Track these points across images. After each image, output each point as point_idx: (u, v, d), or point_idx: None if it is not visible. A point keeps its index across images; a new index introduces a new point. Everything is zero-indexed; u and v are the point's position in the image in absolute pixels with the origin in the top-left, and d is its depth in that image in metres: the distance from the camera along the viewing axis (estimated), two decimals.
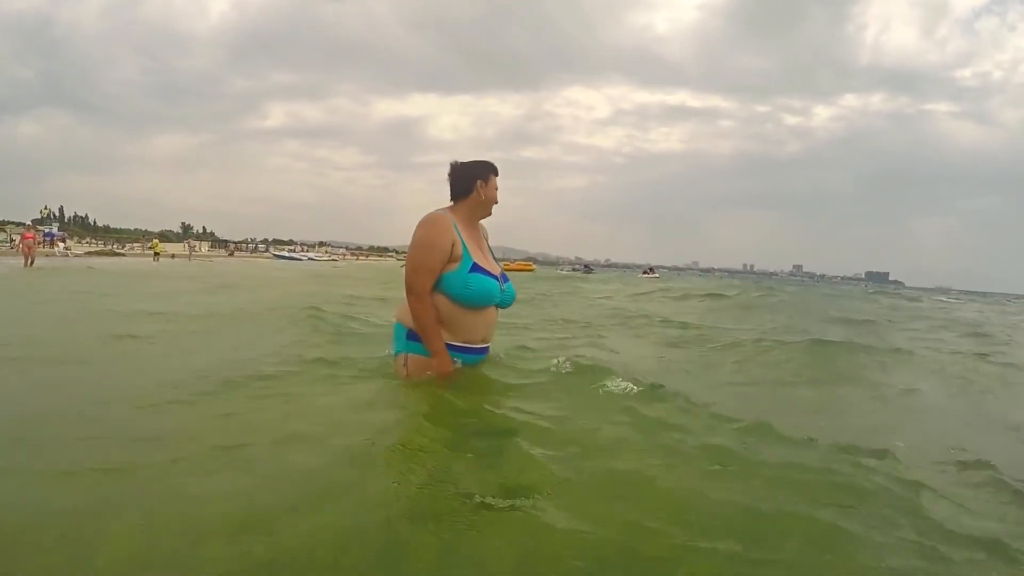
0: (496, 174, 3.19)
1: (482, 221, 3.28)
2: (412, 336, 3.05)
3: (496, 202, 3.20)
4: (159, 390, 3.19)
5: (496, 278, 3.09)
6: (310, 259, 69.96)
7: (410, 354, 3.07)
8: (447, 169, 3.18)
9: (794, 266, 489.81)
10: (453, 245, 2.98)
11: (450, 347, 3.02)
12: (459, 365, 3.04)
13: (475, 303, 3.02)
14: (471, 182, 3.12)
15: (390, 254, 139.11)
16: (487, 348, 3.25)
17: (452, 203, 3.17)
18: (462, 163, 3.19)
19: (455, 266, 2.98)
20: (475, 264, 3.01)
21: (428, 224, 3.01)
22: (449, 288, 2.98)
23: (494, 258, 3.28)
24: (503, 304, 3.20)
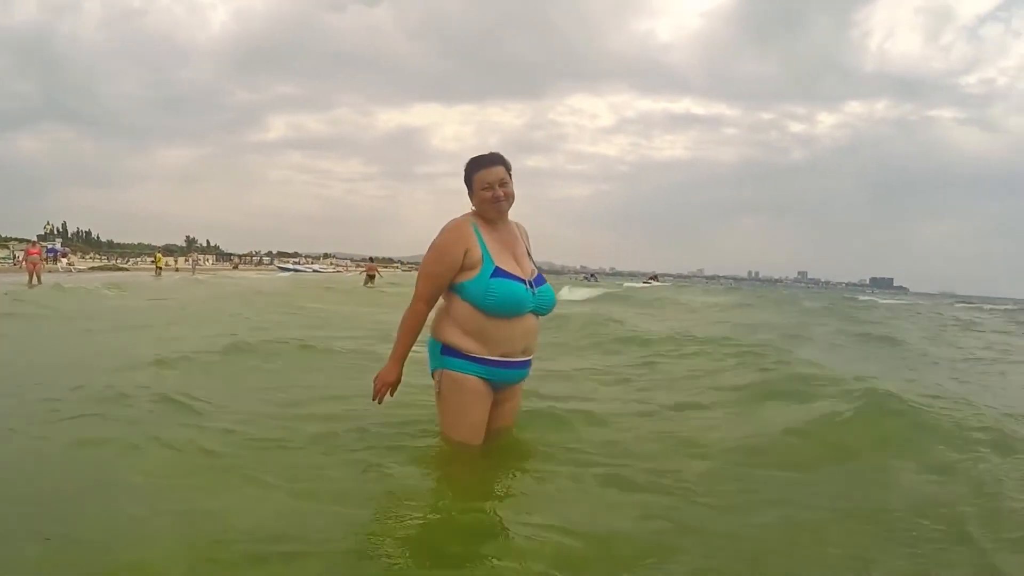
0: (481, 168, 2.82)
1: (518, 221, 3.05)
2: (446, 351, 2.84)
3: (490, 203, 2.82)
4: None
5: (525, 282, 2.82)
6: (314, 271, 69.67)
7: (444, 370, 2.85)
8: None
9: (799, 272, 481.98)
10: (468, 251, 2.76)
11: (488, 363, 2.80)
12: (476, 380, 2.82)
13: (502, 311, 2.76)
14: (468, 184, 2.85)
15: (395, 265, 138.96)
16: (529, 361, 2.97)
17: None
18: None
19: (474, 273, 2.76)
20: (497, 268, 2.76)
21: (445, 230, 2.82)
22: (471, 297, 2.76)
23: (532, 261, 2.98)
24: (540, 310, 2.90)
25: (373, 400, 2.90)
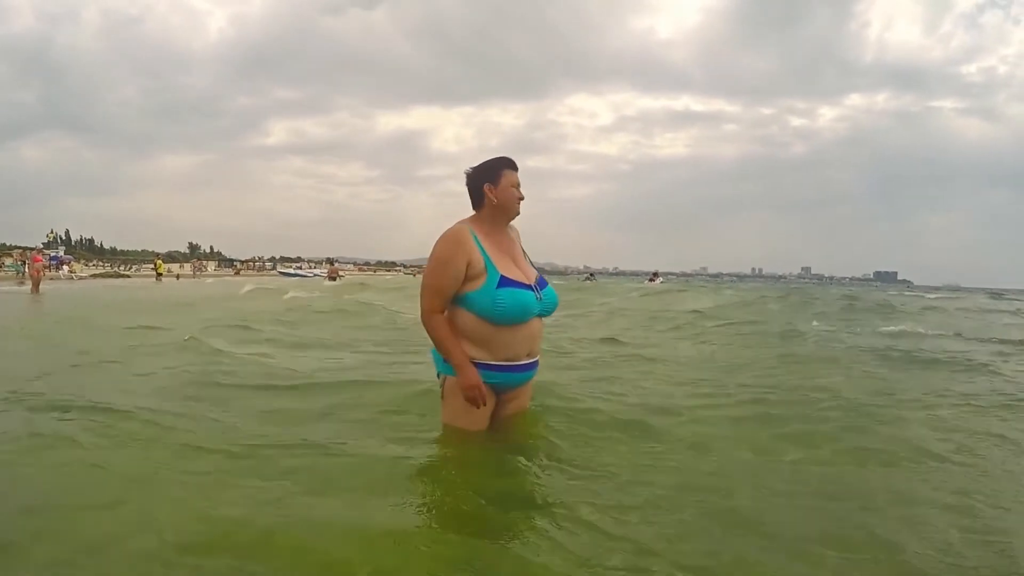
0: (511, 168, 2.89)
1: (512, 222, 3.02)
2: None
3: (516, 201, 2.89)
4: None
5: (530, 287, 2.83)
6: (316, 275, 68.99)
7: (448, 375, 2.88)
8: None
9: (803, 268, 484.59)
10: (470, 262, 2.74)
11: (491, 367, 2.80)
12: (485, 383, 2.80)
13: (511, 320, 2.76)
14: (480, 188, 2.87)
15: (398, 268, 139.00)
16: (536, 363, 2.98)
17: (475, 212, 2.93)
18: (473, 168, 2.93)
19: (479, 283, 2.75)
20: (503, 277, 2.76)
21: (444, 240, 2.79)
22: (477, 308, 2.75)
23: (530, 262, 3.01)
24: (544, 313, 2.93)
25: (478, 407, 2.80)
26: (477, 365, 2.78)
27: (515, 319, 2.77)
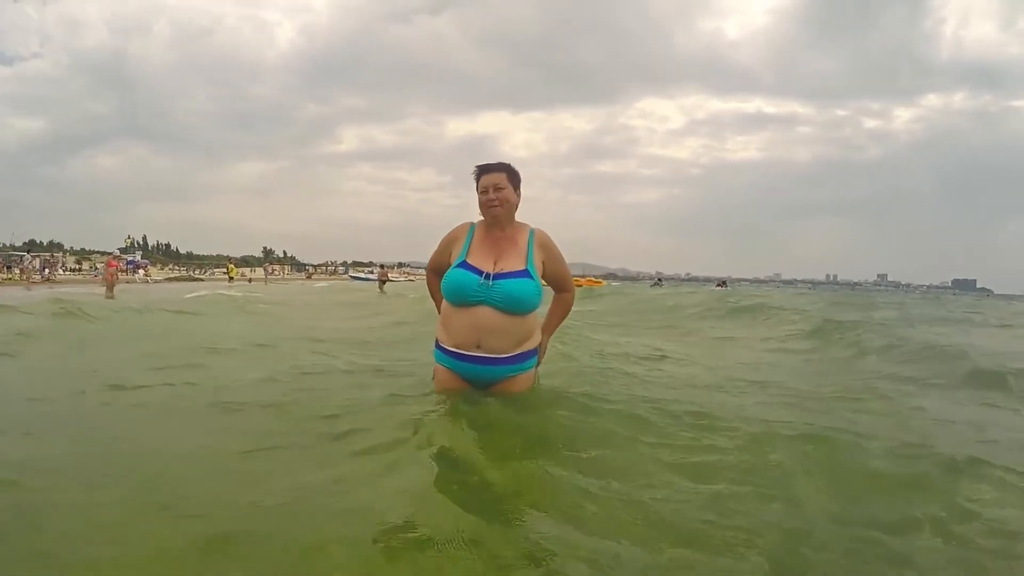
0: (479, 175, 3.09)
1: (545, 231, 3.18)
2: (436, 343, 3.14)
3: (485, 207, 3.06)
4: None
5: (481, 273, 2.94)
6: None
7: (435, 363, 3.20)
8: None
9: (878, 275, 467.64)
10: (454, 248, 3.10)
11: (445, 351, 3.06)
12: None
13: (450, 298, 3.00)
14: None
15: None
16: (493, 360, 3.00)
17: None
18: None
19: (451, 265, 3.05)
20: (464, 262, 2.99)
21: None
22: (442, 285, 3.09)
23: (531, 264, 3.03)
24: (492, 303, 2.92)
25: None
26: (438, 347, 3.11)
27: (455, 297, 2.97)
